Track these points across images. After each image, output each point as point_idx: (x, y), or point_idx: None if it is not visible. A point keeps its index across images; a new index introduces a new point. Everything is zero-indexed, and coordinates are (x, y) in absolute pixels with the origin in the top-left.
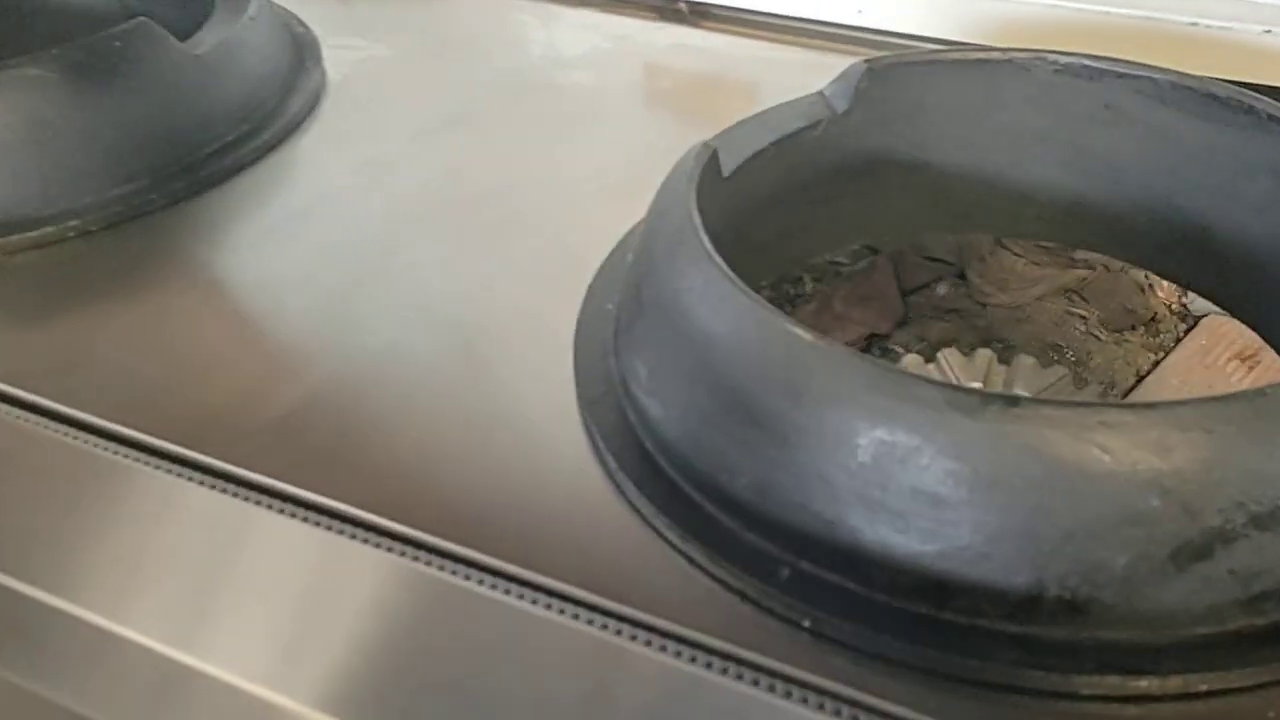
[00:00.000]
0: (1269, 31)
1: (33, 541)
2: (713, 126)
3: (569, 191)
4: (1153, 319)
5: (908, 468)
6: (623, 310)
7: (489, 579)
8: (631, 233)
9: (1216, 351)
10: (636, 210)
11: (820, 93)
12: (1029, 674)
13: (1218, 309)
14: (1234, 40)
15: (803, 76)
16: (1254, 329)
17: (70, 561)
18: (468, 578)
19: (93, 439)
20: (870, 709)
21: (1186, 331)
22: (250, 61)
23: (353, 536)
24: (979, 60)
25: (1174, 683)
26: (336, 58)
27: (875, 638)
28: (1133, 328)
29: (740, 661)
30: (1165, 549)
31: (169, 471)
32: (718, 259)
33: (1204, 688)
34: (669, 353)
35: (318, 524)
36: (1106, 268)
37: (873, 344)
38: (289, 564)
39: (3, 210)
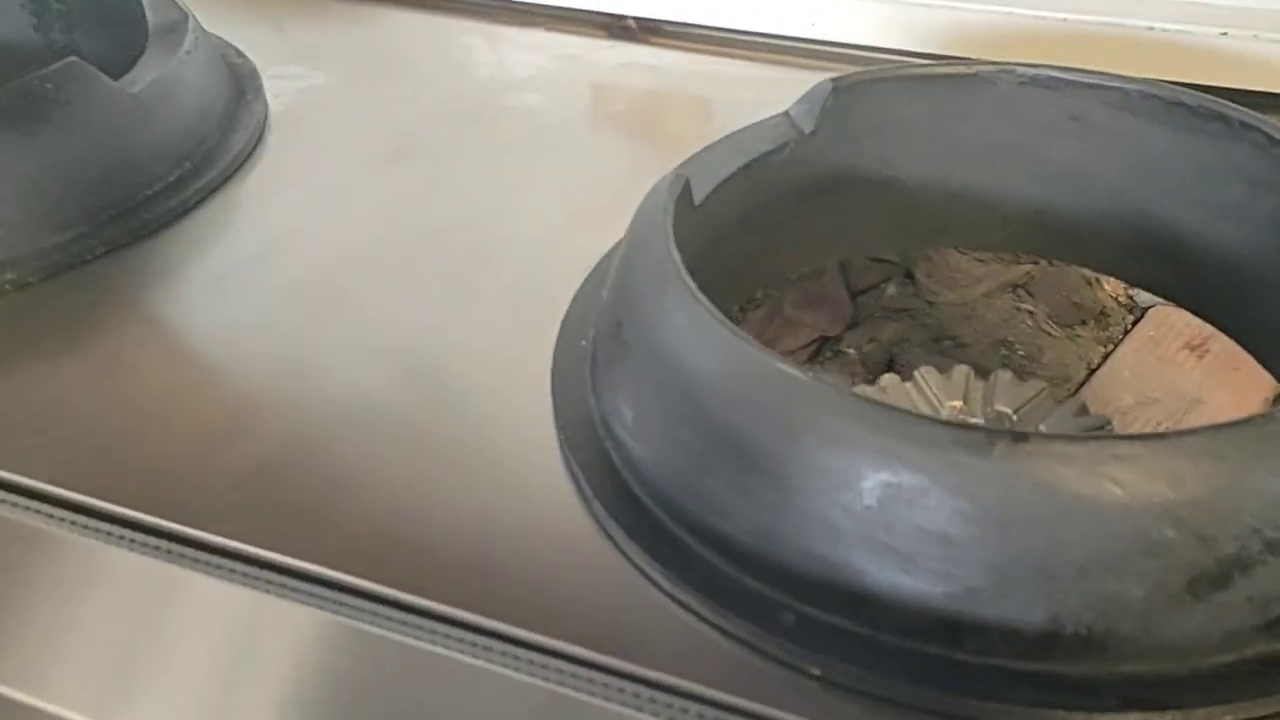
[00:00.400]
0: (1225, 34)
1: None
2: (669, 147)
3: (530, 221)
4: (1102, 312)
5: (915, 509)
6: (601, 348)
7: (470, 637)
8: (603, 263)
9: (1166, 342)
10: (603, 238)
11: (786, 113)
12: (1048, 713)
13: (1164, 301)
14: (1191, 44)
15: (757, 91)
16: (1234, 339)
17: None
18: (461, 641)
19: (35, 504)
20: None
21: (1134, 323)
22: (188, 97)
23: (289, 590)
24: (944, 75)
25: (1198, 715)
26: (278, 88)
27: (886, 682)
28: (1083, 322)
29: (746, 714)
30: (1182, 579)
31: (118, 537)
32: (703, 298)
33: (1229, 718)
34: (656, 395)
35: (261, 581)
36: (1050, 262)
37: (824, 346)
38: (240, 635)
39: None
